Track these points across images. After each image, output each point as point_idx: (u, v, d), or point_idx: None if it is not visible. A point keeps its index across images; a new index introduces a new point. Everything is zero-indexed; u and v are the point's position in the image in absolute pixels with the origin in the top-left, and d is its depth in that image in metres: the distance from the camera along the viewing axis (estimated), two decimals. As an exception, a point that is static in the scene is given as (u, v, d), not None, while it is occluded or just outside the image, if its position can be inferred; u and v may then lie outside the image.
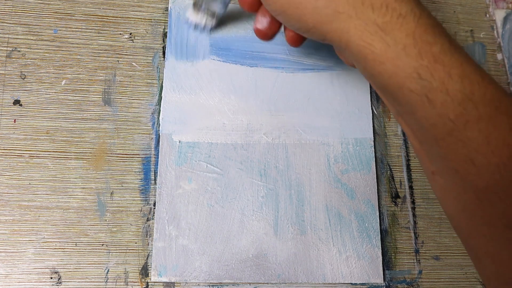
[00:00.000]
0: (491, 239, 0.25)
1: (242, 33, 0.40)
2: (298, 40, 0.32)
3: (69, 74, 0.37)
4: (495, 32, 0.44)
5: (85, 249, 0.34)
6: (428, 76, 0.23)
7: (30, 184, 0.35)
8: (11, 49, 0.37)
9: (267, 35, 0.32)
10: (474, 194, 0.24)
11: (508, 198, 0.23)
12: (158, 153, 0.36)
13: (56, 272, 0.33)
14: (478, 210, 0.25)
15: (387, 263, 0.37)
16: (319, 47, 0.41)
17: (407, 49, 0.23)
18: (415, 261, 0.37)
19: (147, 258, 0.34)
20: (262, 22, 0.32)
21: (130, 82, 0.38)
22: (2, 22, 0.38)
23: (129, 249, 0.34)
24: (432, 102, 0.23)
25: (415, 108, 0.24)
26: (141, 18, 0.39)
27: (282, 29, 0.33)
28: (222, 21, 0.40)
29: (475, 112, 0.23)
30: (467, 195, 0.25)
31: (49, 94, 0.37)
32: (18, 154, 0.35)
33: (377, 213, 0.37)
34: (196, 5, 0.37)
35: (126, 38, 0.39)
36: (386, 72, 0.24)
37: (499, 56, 0.43)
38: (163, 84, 0.38)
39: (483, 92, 0.23)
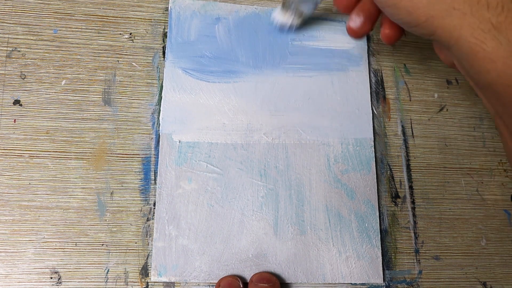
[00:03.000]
0: None
1: (246, 36, 0.40)
2: (395, 37, 0.32)
3: (69, 74, 0.37)
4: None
5: (85, 249, 0.34)
6: None
7: (30, 184, 0.35)
8: (11, 49, 0.37)
9: (358, 34, 0.33)
10: None
11: None
12: (158, 153, 0.36)
13: (56, 272, 0.33)
14: None
15: (387, 263, 0.37)
16: (320, 47, 0.41)
17: None
18: (415, 261, 0.37)
19: (147, 258, 0.34)
20: (355, 21, 0.32)
21: (130, 82, 0.38)
22: (2, 22, 0.38)
23: (129, 249, 0.34)
24: None
25: None
26: (141, 18, 0.39)
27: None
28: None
29: None
30: None
31: (49, 94, 0.37)
32: (18, 154, 0.35)
33: (377, 213, 0.37)
34: (285, 5, 0.38)
35: (126, 38, 0.39)
36: (495, 71, 0.24)
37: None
38: (163, 84, 0.38)
39: None
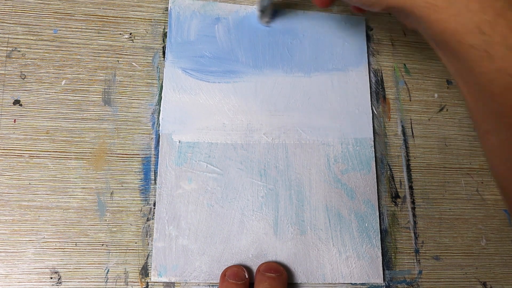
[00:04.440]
0: None
1: (246, 36, 0.40)
2: (327, 2, 0.33)
3: (69, 74, 0.37)
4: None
5: (85, 249, 0.34)
6: (490, 31, 0.24)
7: (30, 184, 0.35)
8: (11, 49, 0.37)
9: (324, 3, 0.33)
10: None
11: None
12: (158, 153, 0.36)
13: (56, 272, 0.33)
14: None
15: (387, 263, 0.37)
16: (319, 47, 0.41)
17: (470, 4, 0.24)
18: (415, 261, 0.37)
19: (147, 258, 0.34)
20: None
21: (130, 82, 0.38)
22: (2, 22, 0.38)
23: (129, 249, 0.34)
24: (491, 57, 0.24)
25: (474, 64, 0.25)
26: (141, 18, 0.39)
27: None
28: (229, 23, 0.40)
29: None
30: None
31: (49, 94, 0.37)
32: (18, 154, 0.35)
33: (377, 213, 0.37)
34: (263, 12, 0.39)
35: (126, 38, 0.39)
36: (449, 29, 0.25)
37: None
38: (163, 84, 0.38)
39: None
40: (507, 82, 0.24)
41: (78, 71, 0.37)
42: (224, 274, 0.33)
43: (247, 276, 0.33)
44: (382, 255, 0.37)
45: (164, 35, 0.39)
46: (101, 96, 0.37)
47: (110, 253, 0.34)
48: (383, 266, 0.36)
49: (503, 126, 0.25)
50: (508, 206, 0.29)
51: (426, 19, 0.26)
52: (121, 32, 0.39)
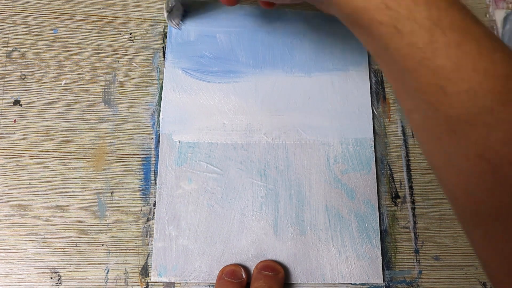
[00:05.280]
0: (465, 172, 0.25)
1: (246, 36, 0.40)
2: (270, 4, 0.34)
3: (69, 74, 0.37)
4: (495, 32, 0.44)
5: (85, 249, 0.34)
6: (395, 5, 0.24)
7: (30, 184, 0.35)
8: (11, 49, 0.37)
9: (231, 1, 0.33)
10: (447, 125, 0.24)
11: (479, 125, 0.23)
12: (158, 153, 0.36)
13: (56, 272, 0.33)
14: (452, 141, 0.24)
15: (387, 263, 0.37)
16: (320, 47, 0.41)
17: None
18: (415, 261, 0.37)
19: (147, 258, 0.34)
20: None
21: (130, 82, 0.38)
22: (2, 22, 0.37)
23: (129, 249, 0.34)
24: (400, 32, 0.24)
25: (386, 41, 0.25)
26: (141, 18, 0.39)
27: None
28: (229, 24, 0.40)
29: (444, 38, 0.23)
30: (441, 127, 0.25)
31: (49, 94, 0.37)
32: (18, 154, 0.35)
33: (377, 213, 0.37)
34: (170, 12, 0.38)
35: (126, 38, 0.39)
36: (358, 8, 0.25)
37: (499, 56, 0.43)
38: (163, 84, 0.38)
39: (450, 18, 0.23)
40: (419, 57, 0.23)
41: (78, 71, 0.37)
42: (221, 272, 0.34)
43: (244, 276, 0.33)
44: (382, 255, 0.37)
45: (164, 35, 0.39)
46: (101, 96, 0.37)
47: (110, 253, 0.34)
48: (383, 266, 0.36)
49: (422, 102, 0.25)
50: (438, 180, 0.29)
51: (336, 0, 0.26)
52: (121, 32, 0.39)
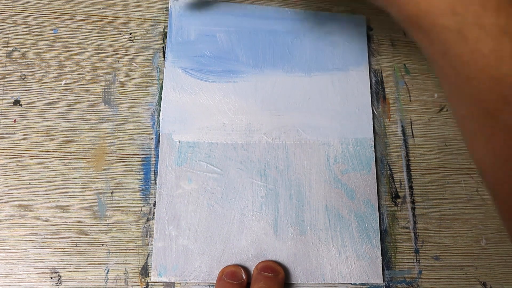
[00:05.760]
0: None
1: (246, 36, 0.40)
2: None
3: (69, 74, 0.37)
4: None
5: (85, 249, 0.34)
6: (463, 10, 0.23)
7: (30, 184, 0.35)
8: (11, 49, 0.37)
9: None
10: (505, 135, 0.24)
11: None
12: (158, 153, 0.36)
13: (56, 272, 0.33)
14: (509, 152, 0.24)
15: (387, 263, 0.37)
16: (320, 47, 0.41)
17: None
18: (415, 261, 0.37)
19: (147, 258, 0.34)
20: None
21: (130, 82, 0.38)
22: (2, 22, 0.37)
23: (129, 249, 0.34)
24: (465, 37, 0.23)
25: (448, 46, 0.24)
26: (141, 18, 0.39)
27: None
28: (227, 24, 0.40)
29: (510, 46, 0.22)
30: (498, 136, 0.24)
31: (49, 94, 0.37)
32: (18, 154, 0.35)
33: (377, 213, 0.37)
34: None
35: (126, 38, 0.39)
36: (421, 12, 0.24)
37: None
38: (163, 84, 0.38)
39: None
40: (482, 64, 0.23)
41: (78, 71, 0.37)
42: (221, 273, 0.34)
43: (244, 277, 0.33)
44: (382, 255, 0.37)
45: (164, 35, 0.39)
46: (101, 96, 0.37)
47: (110, 253, 0.34)
48: (382, 266, 0.36)
49: (479, 110, 0.25)
50: (489, 191, 0.28)
51: (398, 1, 0.25)
52: (121, 32, 0.39)
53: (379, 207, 0.38)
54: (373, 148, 0.39)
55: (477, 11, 0.23)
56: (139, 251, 0.34)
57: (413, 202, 0.39)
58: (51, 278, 0.33)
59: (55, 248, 0.34)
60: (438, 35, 0.24)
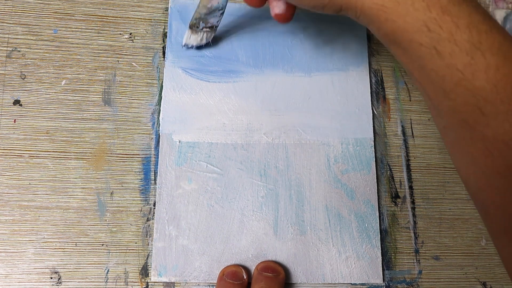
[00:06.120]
0: (500, 190, 0.25)
1: (246, 36, 0.40)
2: (289, 18, 0.33)
3: (69, 74, 0.37)
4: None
5: (85, 249, 0.34)
6: (437, 28, 0.24)
7: (30, 184, 0.35)
8: (11, 49, 0.37)
9: (287, 18, 0.33)
10: (483, 145, 0.25)
11: None
12: (158, 153, 0.36)
13: (56, 272, 0.33)
14: (488, 161, 0.25)
15: (387, 263, 0.37)
16: (320, 47, 0.41)
17: (416, 3, 0.24)
18: (415, 261, 0.37)
19: (147, 258, 0.34)
20: (279, 7, 0.32)
21: (130, 82, 0.38)
22: (2, 22, 0.38)
23: (129, 249, 0.34)
24: (440, 53, 0.24)
25: (424, 62, 0.25)
26: (141, 18, 0.39)
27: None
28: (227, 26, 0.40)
29: (483, 61, 0.23)
30: (476, 146, 0.25)
31: (49, 94, 0.37)
32: (18, 154, 0.35)
33: (377, 213, 0.37)
34: (193, 27, 0.37)
35: (126, 38, 0.39)
36: (398, 29, 0.25)
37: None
38: (163, 84, 0.38)
39: (491, 41, 0.24)
40: (458, 78, 0.24)
41: (78, 71, 0.37)
42: (222, 273, 0.34)
43: (245, 277, 0.33)
44: (382, 255, 0.37)
45: (164, 35, 0.39)
46: (101, 96, 0.37)
47: (110, 253, 0.34)
48: (383, 266, 0.36)
49: (458, 122, 0.26)
50: (472, 198, 0.29)
51: (376, 19, 0.26)
52: (121, 32, 0.39)
53: (379, 207, 0.38)
54: (373, 148, 0.39)
55: (450, 27, 0.24)
56: (139, 251, 0.34)
57: (413, 202, 0.39)
58: (51, 278, 0.33)
59: (55, 248, 0.34)
60: (415, 51, 0.25)
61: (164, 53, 0.39)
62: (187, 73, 0.38)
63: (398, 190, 0.39)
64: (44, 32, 0.38)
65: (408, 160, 0.40)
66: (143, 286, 0.34)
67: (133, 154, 0.36)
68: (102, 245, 0.34)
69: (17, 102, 0.36)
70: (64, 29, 0.38)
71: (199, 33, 0.37)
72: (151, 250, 0.34)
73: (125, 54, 0.38)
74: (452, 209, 0.39)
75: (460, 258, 0.38)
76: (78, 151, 0.36)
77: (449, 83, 0.24)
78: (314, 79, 0.40)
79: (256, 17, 0.40)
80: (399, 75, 0.42)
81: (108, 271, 0.34)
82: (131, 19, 0.39)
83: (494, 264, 0.38)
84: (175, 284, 0.34)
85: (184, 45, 0.38)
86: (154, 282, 0.34)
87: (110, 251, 0.34)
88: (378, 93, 0.41)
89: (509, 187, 0.25)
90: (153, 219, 0.35)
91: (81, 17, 0.39)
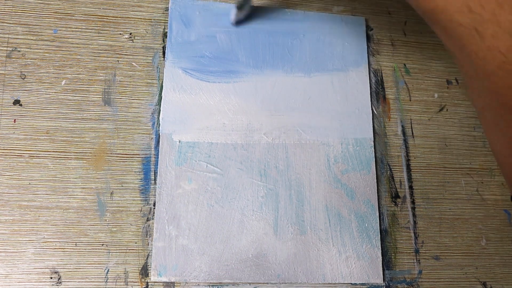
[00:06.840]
0: None
1: (246, 36, 0.40)
2: None
3: (69, 74, 0.37)
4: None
5: (85, 249, 0.34)
6: (478, 8, 0.23)
7: (30, 184, 0.35)
8: (11, 49, 0.37)
9: None
10: None
11: None
12: (158, 153, 0.36)
13: (56, 272, 0.33)
14: None
15: (387, 263, 0.37)
16: (320, 47, 0.41)
17: None
18: (415, 261, 0.37)
19: (147, 258, 0.34)
20: None
21: (130, 82, 0.38)
22: (2, 22, 0.38)
23: (129, 249, 0.34)
24: (482, 35, 0.23)
25: (464, 42, 0.24)
26: (141, 18, 0.39)
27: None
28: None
29: None
30: None
31: (49, 94, 0.37)
32: (18, 154, 0.35)
33: (377, 213, 0.37)
34: (241, 7, 0.38)
35: (126, 38, 0.39)
36: (437, 8, 0.24)
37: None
38: (163, 84, 0.38)
39: None
40: (500, 61, 0.23)
41: (78, 71, 0.37)
42: None
43: None
44: (382, 255, 0.37)
45: (164, 35, 0.39)
46: (101, 96, 0.37)
47: (110, 253, 0.34)
48: (383, 266, 0.36)
49: (497, 104, 0.25)
50: (507, 181, 0.29)
51: None
52: (121, 32, 0.39)
53: (379, 207, 0.38)
54: (373, 148, 0.39)
55: (494, 9, 0.23)
56: (139, 251, 0.34)
57: (413, 202, 0.39)
58: (51, 278, 0.33)
59: (55, 248, 0.34)
60: (455, 31, 0.24)
61: (164, 53, 0.39)
62: (187, 73, 0.38)
63: (398, 190, 0.39)
64: (44, 32, 0.38)
65: (408, 160, 0.40)
66: (143, 286, 0.34)
67: (133, 154, 0.36)
68: (102, 245, 0.34)
69: (17, 102, 0.36)
70: (64, 29, 0.38)
71: (245, 7, 0.39)
72: (151, 250, 0.34)
73: (125, 54, 0.38)
74: (452, 209, 0.39)
75: (460, 258, 0.38)
76: (78, 151, 0.36)
77: (491, 66, 0.24)
78: (314, 79, 0.40)
79: (256, 18, 0.40)
80: (399, 75, 0.42)
81: (108, 271, 0.34)
82: (131, 19, 0.39)
83: (494, 264, 0.38)
84: (175, 284, 0.34)
85: (235, 23, 0.40)
86: (154, 282, 0.34)
87: (110, 251, 0.34)
88: (378, 93, 0.41)
89: None
90: (153, 219, 0.35)
91: (81, 17, 0.39)
